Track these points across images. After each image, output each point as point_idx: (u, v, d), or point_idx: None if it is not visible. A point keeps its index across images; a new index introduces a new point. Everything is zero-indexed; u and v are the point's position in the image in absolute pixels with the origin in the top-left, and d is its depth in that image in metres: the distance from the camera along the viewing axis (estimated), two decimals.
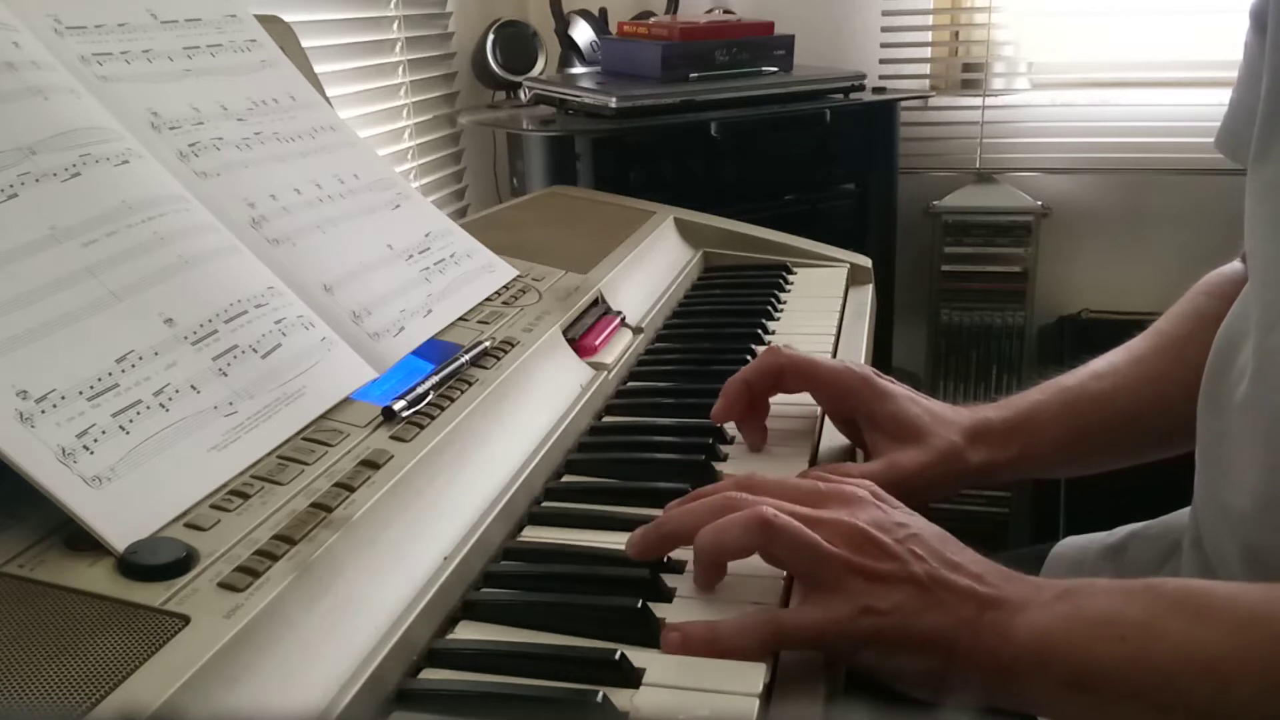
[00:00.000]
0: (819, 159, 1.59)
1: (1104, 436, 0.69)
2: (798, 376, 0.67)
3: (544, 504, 0.61)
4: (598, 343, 0.75)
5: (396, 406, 0.55)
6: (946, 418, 0.67)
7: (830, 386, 0.68)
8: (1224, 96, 0.63)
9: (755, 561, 0.50)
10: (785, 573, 0.51)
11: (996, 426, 0.67)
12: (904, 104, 1.71)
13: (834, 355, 0.82)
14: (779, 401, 0.69)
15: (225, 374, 0.52)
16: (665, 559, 0.53)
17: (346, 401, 0.56)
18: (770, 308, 0.91)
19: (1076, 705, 0.45)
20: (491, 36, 1.70)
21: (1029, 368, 1.86)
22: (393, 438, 0.54)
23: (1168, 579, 0.47)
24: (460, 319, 0.70)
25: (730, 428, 0.69)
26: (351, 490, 0.48)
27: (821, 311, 0.91)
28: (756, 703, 0.43)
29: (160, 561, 0.41)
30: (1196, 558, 0.63)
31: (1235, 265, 0.70)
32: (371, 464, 0.51)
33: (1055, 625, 0.45)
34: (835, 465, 0.65)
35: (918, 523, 0.50)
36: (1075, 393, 0.69)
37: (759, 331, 0.86)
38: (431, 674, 0.46)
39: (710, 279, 1.01)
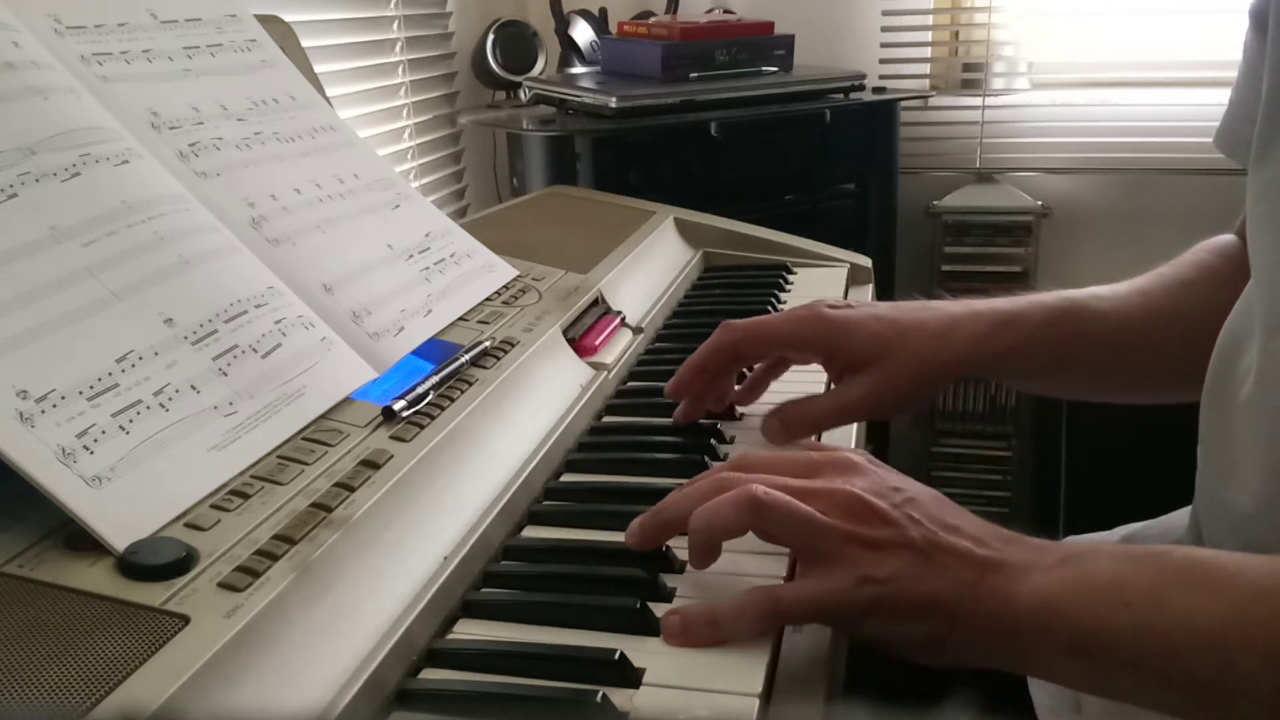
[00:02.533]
0: (819, 159, 1.59)
1: (1091, 351, 0.67)
2: (753, 344, 0.67)
3: (544, 503, 0.61)
4: (598, 343, 0.75)
5: (396, 406, 0.55)
6: (917, 321, 0.65)
7: (788, 343, 0.67)
8: (1224, 96, 0.63)
9: (755, 563, 0.50)
10: (784, 574, 0.51)
11: (984, 315, 0.66)
12: (904, 104, 1.71)
13: None
14: (781, 399, 0.69)
15: (225, 374, 0.52)
16: (665, 547, 0.53)
17: (346, 401, 0.56)
18: (770, 308, 0.91)
19: (1078, 671, 0.45)
20: (491, 36, 1.70)
21: None
22: (393, 438, 0.54)
23: (1175, 548, 0.47)
24: (460, 319, 0.70)
25: (730, 427, 0.69)
26: (351, 490, 0.48)
27: None
28: (756, 703, 0.43)
29: (160, 561, 0.41)
30: None
31: (1231, 236, 0.71)
32: (371, 464, 0.51)
33: (1059, 590, 0.44)
34: (790, 403, 0.65)
35: (914, 487, 0.50)
36: (1075, 302, 0.68)
37: None
38: (431, 674, 0.46)
39: (710, 279, 1.01)
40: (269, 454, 0.50)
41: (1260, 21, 0.57)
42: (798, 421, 0.65)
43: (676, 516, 0.51)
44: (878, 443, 1.77)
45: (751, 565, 0.51)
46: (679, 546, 0.53)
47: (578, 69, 1.73)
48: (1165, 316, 0.67)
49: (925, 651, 0.46)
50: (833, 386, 0.69)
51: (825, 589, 0.46)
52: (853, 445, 0.69)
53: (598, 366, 0.73)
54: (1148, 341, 0.67)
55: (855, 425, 0.71)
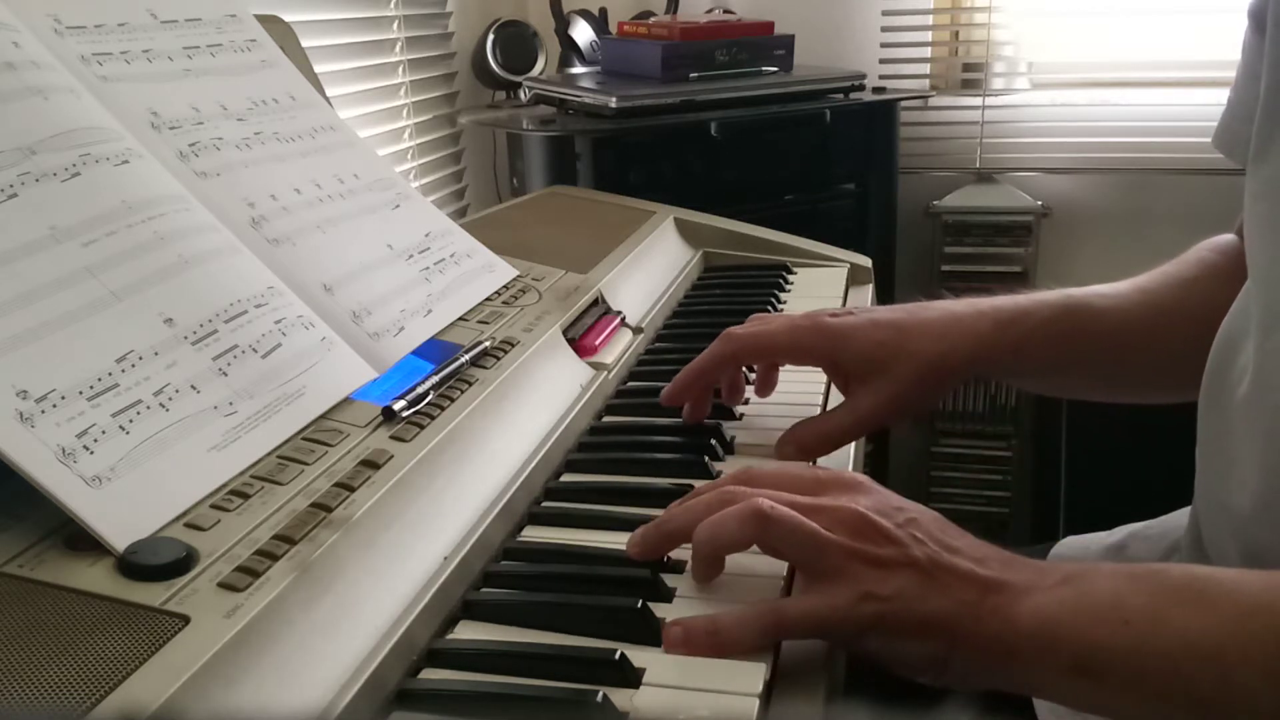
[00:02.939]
0: (819, 159, 1.59)
1: (1094, 349, 0.68)
2: (753, 355, 0.68)
3: (544, 504, 0.61)
4: (598, 343, 0.75)
5: (396, 406, 0.55)
6: (920, 323, 0.65)
7: (789, 353, 0.68)
8: (1224, 96, 0.63)
9: (754, 561, 0.50)
10: (784, 574, 0.51)
11: (988, 314, 0.66)
12: (904, 104, 1.71)
13: None
14: (780, 399, 0.69)
15: (225, 374, 0.52)
16: (665, 559, 0.53)
17: (346, 401, 0.56)
18: (770, 308, 0.91)
19: (1079, 691, 0.45)
20: (491, 36, 1.70)
21: None
22: (393, 438, 0.54)
23: (1172, 565, 0.47)
24: (460, 319, 0.70)
25: (731, 427, 0.69)
26: (351, 490, 0.48)
27: None
28: (756, 703, 0.43)
29: (160, 561, 0.41)
30: (1196, 558, 0.63)
31: (1232, 236, 0.71)
32: (371, 464, 0.51)
33: (1059, 610, 0.44)
34: (803, 424, 0.65)
35: (916, 508, 0.50)
36: (1078, 299, 0.68)
37: None
38: (431, 674, 0.46)
39: (710, 279, 1.01)
40: (269, 454, 0.50)
41: (1259, 21, 0.57)
42: (814, 441, 0.65)
43: (680, 528, 0.51)
44: (878, 443, 1.77)
45: (757, 564, 0.51)
46: (679, 549, 0.53)
47: (578, 69, 1.73)
48: (1168, 314, 0.67)
49: (927, 671, 0.46)
50: (834, 391, 0.69)
51: (828, 604, 0.46)
52: (853, 445, 0.69)
53: (598, 366, 0.73)
54: (1150, 339, 0.67)
55: None
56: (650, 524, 0.52)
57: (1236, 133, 0.60)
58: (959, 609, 0.45)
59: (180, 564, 0.41)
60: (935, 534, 0.48)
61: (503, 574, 0.53)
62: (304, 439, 0.52)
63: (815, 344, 0.66)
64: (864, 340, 0.65)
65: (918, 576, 0.46)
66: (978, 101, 1.88)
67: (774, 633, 0.47)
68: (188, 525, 0.44)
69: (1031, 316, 0.66)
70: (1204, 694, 0.41)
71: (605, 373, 0.73)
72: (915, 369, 0.64)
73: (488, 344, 0.65)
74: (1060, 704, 0.47)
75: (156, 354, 0.50)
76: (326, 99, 0.79)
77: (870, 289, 0.99)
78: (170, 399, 0.48)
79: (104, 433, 0.45)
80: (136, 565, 0.41)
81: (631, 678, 0.44)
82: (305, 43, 0.86)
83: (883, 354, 0.64)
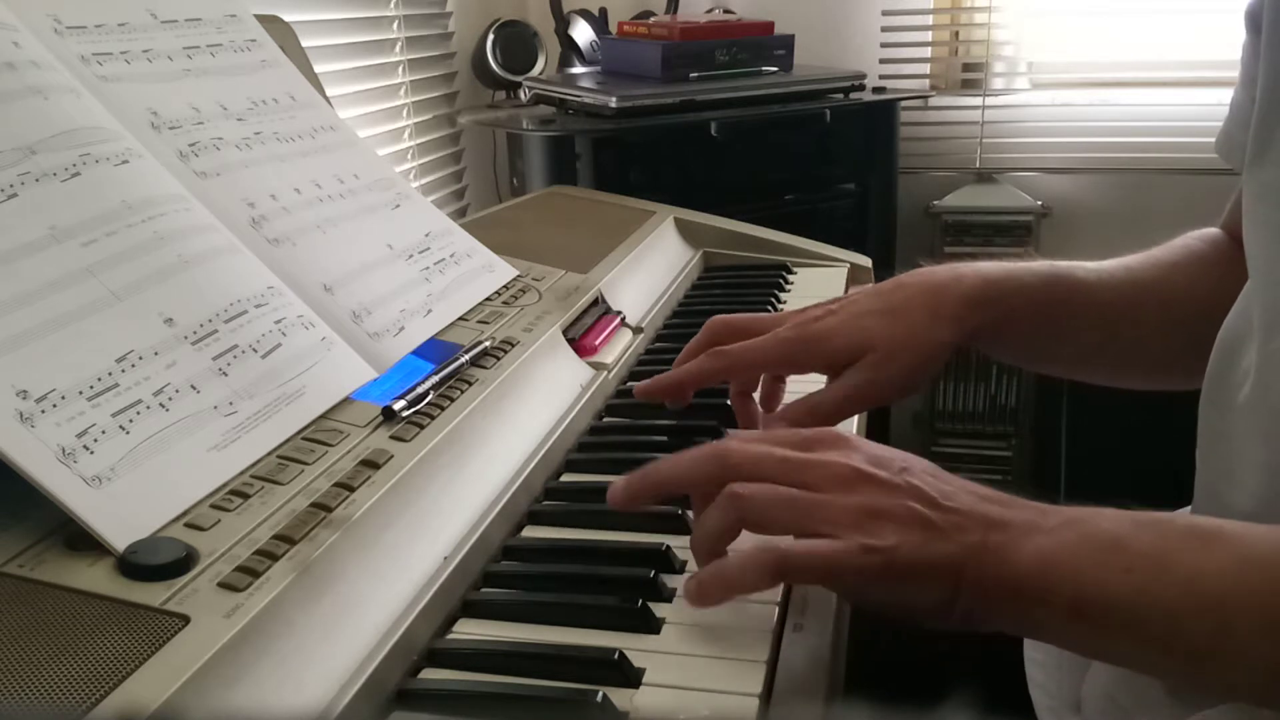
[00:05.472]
0: (819, 159, 1.59)
1: (1077, 316, 0.68)
2: (742, 372, 0.67)
3: (544, 503, 0.61)
4: (598, 343, 0.75)
5: (396, 406, 0.55)
6: (902, 300, 0.65)
7: (778, 367, 0.68)
8: (1224, 96, 0.63)
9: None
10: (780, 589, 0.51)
11: (969, 278, 0.66)
12: (904, 104, 1.72)
13: None
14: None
15: (225, 374, 0.52)
16: (665, 546, 0.53)
17: (346, 401, 0.56)
18: (770, 308, 0.91)
19: (1078, 634, 0.45)
20: (491, 36, 1.70)
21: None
22: (393, 438, 0.54)
23: (1177, 514, 0.47)
24: (460, 319, 0.70)
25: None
26: (351, 490, 0.48)
27: None
28: (756, 703, 0.43)
29: (160, 561, 0.41)
30: None
31: (1217, 230, 0.71)
32: (371, 464, 0.51)
33: (1060, 551, 0.44)
34: (794, 403, 0.65)
35: (909, 458, 0.50)
36: (1064, 269, 0.68)
37: None
38: (431, 674, 0.46)
39: (710, 279, 1.01)
40: (269, 454, 0.50)
41: (1255, 24, 0.57)
42: (805, 417, 0.65)
43: (665, 479, 0.51)
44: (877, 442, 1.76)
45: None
46: (679, 546, 0.53)
47: (578, 69, 1.73)
48: (1150, 290, 0.68)
49: (933, 616, 0.46)
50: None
51: (832, 547, 0.46)
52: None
53: (598, 366, 0.73)
54: (1134, 314, 0.68)
55: (856, 424, 0.71)
56: (634, 473, 0.52)
57: (1236, 138, 0.60)
58: (964, 551, 0.45)
59: (180, 564, 0.41)
60: (931, 479, 0.48)
61: (503, 574, 0.53)
62: (304, 439, 0.52)
63: (800, 354, 0.66)
64: (849, 331, 0.65)
65: (919, 523, 0.46)
66: (978, 101, 1.88)
67: (777, 571, 0.47)
68: (188, 525, 0.44)
69: (1014, 279, 0.67)
70: (1202, 642, 0.41)
71: (605, 373, 0.73)
72: (900, 345, 0.64)
73: (488, 344, 0.65)
74: (1059, 646, 0.47)
75: (156, 354, 0.50)
76: (326, 99, 0.79)
77: None
78: (170, 399, 0.48)
79: (104, 433, 0.45)
80: (136, 565, 0.41)
81: (631, 678, 0.44)
82: (305, 43, 0.86)
83: (867, 339, 0.64)
